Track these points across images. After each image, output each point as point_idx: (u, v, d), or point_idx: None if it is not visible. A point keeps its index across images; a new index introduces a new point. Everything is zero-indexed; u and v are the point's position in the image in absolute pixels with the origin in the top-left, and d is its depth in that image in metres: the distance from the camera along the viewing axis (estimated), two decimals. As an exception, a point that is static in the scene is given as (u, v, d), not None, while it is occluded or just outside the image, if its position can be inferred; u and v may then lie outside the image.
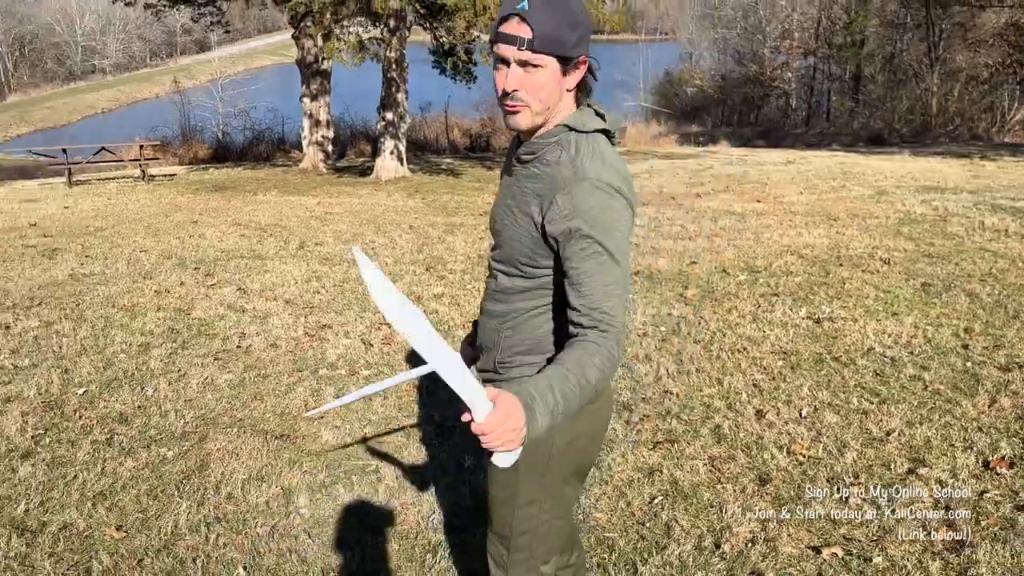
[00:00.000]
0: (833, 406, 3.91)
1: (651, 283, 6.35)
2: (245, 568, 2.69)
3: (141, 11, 15.15)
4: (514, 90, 1.61)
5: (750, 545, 2.77)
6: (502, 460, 1.36)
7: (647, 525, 2.92)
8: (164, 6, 15.42)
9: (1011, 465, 3.25)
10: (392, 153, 14.63)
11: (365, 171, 15.92)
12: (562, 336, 1.65)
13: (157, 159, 16.86)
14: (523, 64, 1.60)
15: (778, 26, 34.13)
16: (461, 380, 1.32)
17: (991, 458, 3.31)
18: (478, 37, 14.74)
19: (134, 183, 14.56)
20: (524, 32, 1.57)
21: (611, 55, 50.00)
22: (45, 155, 15.95)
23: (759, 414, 3.86)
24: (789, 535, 2.83)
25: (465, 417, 1.33)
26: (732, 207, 10.31)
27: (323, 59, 14.73)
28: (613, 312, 1.54)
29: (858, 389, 4.11)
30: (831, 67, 31.67)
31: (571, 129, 1.67)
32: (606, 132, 1.69)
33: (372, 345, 4.94)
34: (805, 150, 21.10)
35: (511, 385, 1.46)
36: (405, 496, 3.16)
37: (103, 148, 15.08)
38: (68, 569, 2.69)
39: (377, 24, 14.07)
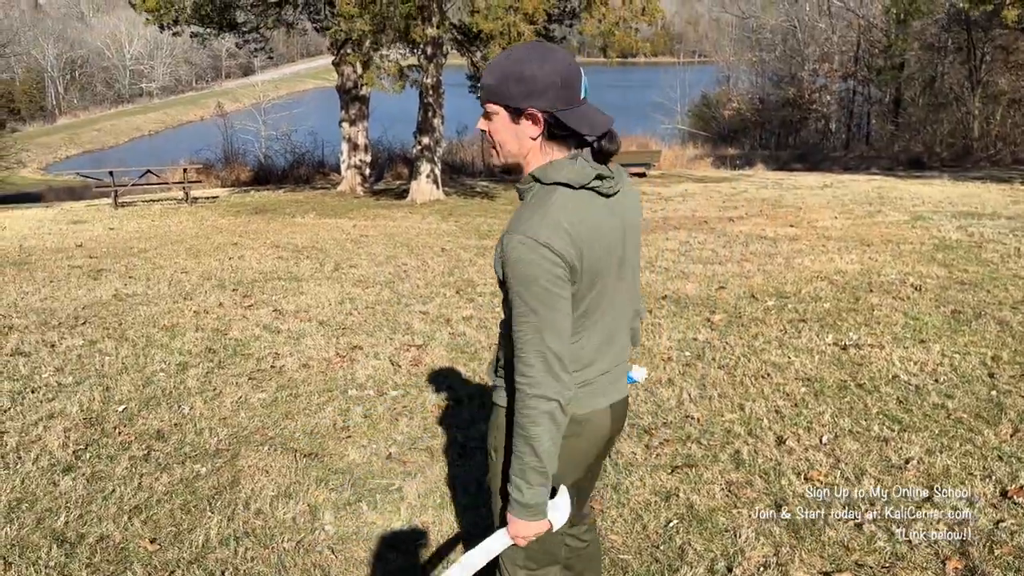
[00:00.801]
0: (854, 433, 3.93)
1: (678, 307, 6.40)
2: (271, 581, 2.81)
3: (187, 37, 15.64)
4: (483, 131, 1.86)
5: (762, 569, 2.82)
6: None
7: (661, 548, 2.98)
8: (210, 34, 15.91)
9: (1030, 495, 3.25)
10: (428, 176, 14.88)
11: (401, 194, 16.19)
12: None
13: (200, 181, 17.32)
14: (484, 112, 1.85)
15: (817, 49, 34.00)
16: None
17: (1009, 487, 3.31)
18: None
19: (177, 205, 14.98)
20: (484, 83, 1.83)
21: (650, 77, 50.27)
22: (93, 177, 16.48)
23: (779, 440, 3.89)
24: (801, 560, 2.87)
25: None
26: (764, 231, 10.31)
27: (362, 85, 15.07)
28: (526, 366, 1.72)
29: (880, 416, 4.12)
30: (871, 90, 31.41)
31: (536, 179, 1.80)
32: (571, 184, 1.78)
33: (400, 366, 5.06)
34: (843, 174, 20.97)
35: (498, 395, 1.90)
36: (426, 515, 3.26)
37: (148, 171, 15.56)
38: (104, 578, 2.83)
39: (415, 51, 14.37)
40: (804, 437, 3.91)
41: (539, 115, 1.76)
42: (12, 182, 29.31)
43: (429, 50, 13.47)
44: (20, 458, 3.76)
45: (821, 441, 3.86)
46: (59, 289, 7.33)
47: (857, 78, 31.12)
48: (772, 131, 35.82)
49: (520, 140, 1.81)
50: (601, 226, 1.80)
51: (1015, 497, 3.24)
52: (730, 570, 2.82)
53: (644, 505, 3.30)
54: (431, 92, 14.05)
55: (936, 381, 4.59)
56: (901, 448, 3.74)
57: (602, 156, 1.82)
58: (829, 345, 5.32)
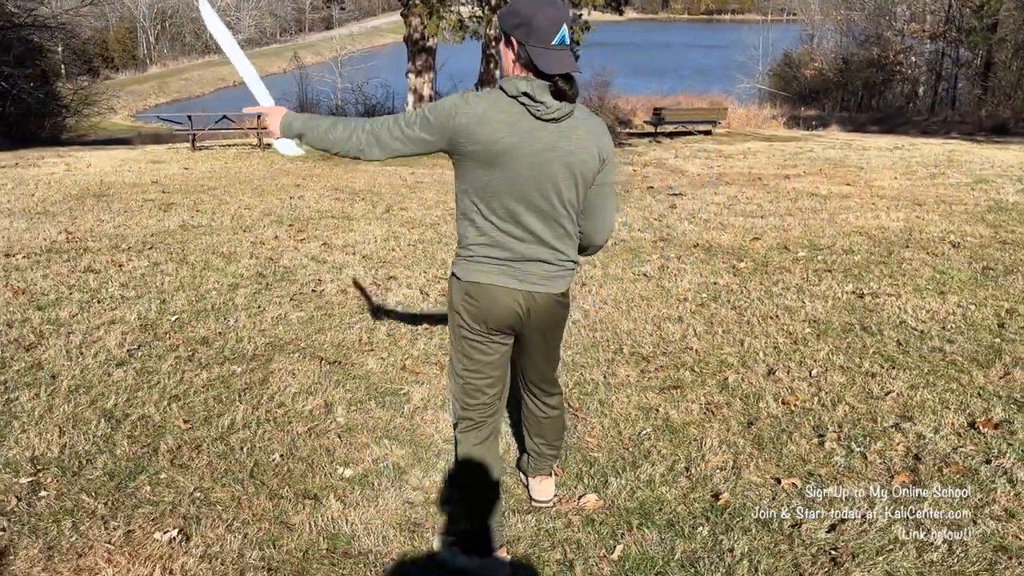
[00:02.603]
0: (844, 368, 4.11)
1: (707, 255, 6.57)
2: (282, 456, 3.22)
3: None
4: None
5: (717, 471, 3.08)
6: (277, 146, 2.50)
7: (630, 450, 3.27)
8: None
9: (996, 426, 3.40)
10: (488, 127, 15.11)
11: (464, 145, 16.49)
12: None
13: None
14: None
15: (907, 8, 32.60)
16: (256, 83, 2.61)
17: (979, 419, 3.47)
18: (580, 15, 15.00)
19: (251, 150, 15.64)
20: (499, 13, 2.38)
21: (734, 36, 49.06)
22: (173, 122, 17.29)
23: (769, 372, 4.10)
24: (757, 466, 3.12)
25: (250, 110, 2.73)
26: (818, 189, 10.27)
27: (428, 36, 15.33)
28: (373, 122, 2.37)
29: (875, 356, 4.28)
30: (960, 52, 30.03)
31: (500, 87, 2.29)
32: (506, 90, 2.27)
33: (428, 295, 5.43)
34: (919, 137, 20.33)
35: None
36: (427, 414, 3.62)
37: (224, 116, 16.25)
38: (140, 448, 3.28)
39: (481, 3, 14.55)
40: (794, 370, 4.12)
41: (515, 44, 2.21)
42: (104, 128, 30.77)
43: (493, 1, 13.63)
44: (82, 353, 4.27)
45: (811, 374, 4.06)
46: (132, 218, 7.93)
47: (946, 39, 29.77)
48: (854, 93, 34.64)
49: (506, 60, 2.28)
50: (519, 129, 2.22)
51: (981, 428, 3.40)
52: (687, 469, 3.10)
53: (624, 417, 3.58)
54: (494, 44, 14.23)
55: (943, 328, 4.70)
56: (886, 383, 3.91)
57: (559, 93, 2.21)
58: (847, 293, 5.44)
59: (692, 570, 2.50)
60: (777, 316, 4.98)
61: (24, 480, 3.00)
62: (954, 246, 6.77)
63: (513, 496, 2.94)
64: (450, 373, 2.56)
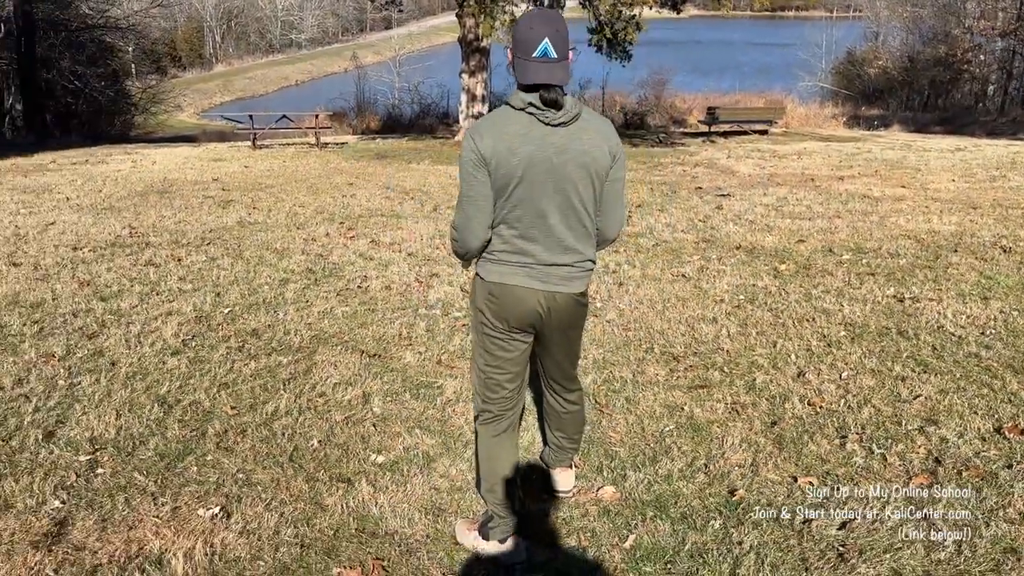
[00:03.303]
0: (875, 372, 4.13)
1: (749, 257, 6.59)
2: (320, 442, 3.40)
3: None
4: None
5: (736, 468, 3.17)
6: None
7: (651, 445, 3.37)
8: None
9: (1023, 432, 3.40)
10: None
11: (517, 144, 16.62)
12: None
13: (330, 128, 18.38)
14: None
15: (977, 5, 31.62)
16: None
17: (1006, 425, 3.47)
18: (634, 16, 15.01)
19: (309, 148, 16.05)
20: None
21: (797, 33, 48.20)
22: (235, 120, 17.84)
23: (800, 374, 4.15)
24: (775, 465, 3.19)
25: None
26: (871, 191, 10.15)
27: (482, 37, 15.53)
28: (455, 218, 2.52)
29: (908, 360, 4.28)
30: (1032, 49, 29.00)
31: (507, 102, 2.44)
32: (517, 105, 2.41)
33: (468, 293, 5.58)
34: (984, 139, 19.77)
35: None
36: (458, 406, 3.77)
37: (284, 116, 16.71)
38: (190, 431, 3.50)
39: (534, 2, 14.66)
40: (824, 372, 4.15)
41: (510, 57, 2.40)
42: (171, 125, 31.83)
43: (546, 2, 13.73)
44: (140, 342, 4.54)
45: (840, 377, 4.09)
46: (192, 215, 8.28)
47: (1018, 36, 28.79)
48: (919, 92, 33.75)
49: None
50: (532, 138, 2.35)
51: (1008, 433, 3.41)
52: (706, 466, 3.19)
53: (649, 414, 3.68)
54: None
55: (982, 333, 4.67)
56: (915, 387, 3.92)
57: (545, 102, 2.35)
58: (887, 297, 5.42)
59: (700, 560, 2.60)
60: (813, 319, 5.00)
61: (83, 458, 3.24)
62: (1005, 251, 6.66)
63: (534, 485, 3.07)
64: (472, 368, 2.70)
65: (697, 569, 2.56)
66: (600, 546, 2.69)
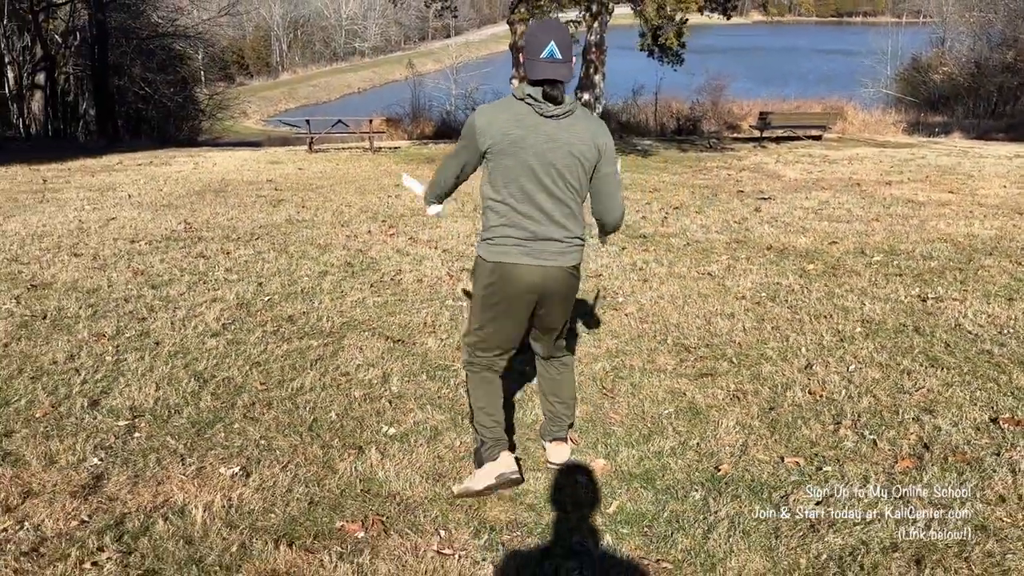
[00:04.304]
0: (882, 365, 4.20)
1: (778, 256, 6.67)
2: (337, 415, 3.66)
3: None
4: None
5: (727, 448, 3.30)
6: (430, 211, 3.36)
7: (649, 425, 3.53)
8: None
9: (1018, 424, 3.46)
10: (588, 133, 15.39)
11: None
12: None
13: (383, 133, 18.84)
14: None
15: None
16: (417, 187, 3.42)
17: (1003, 416, 3.53)
18: (686, 20, 15.07)
19: (362, 153, 16.50)
20: None
21: (863, 39, 47.33)
22: (293, 124, 18.44)
23: (807, 365, 4.25)
24: (766, 446, 3.32)
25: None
26: (917, 196, 10.05)
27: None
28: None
29: (919, 355, 4.34)
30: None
31: (512, 93, 2.82)
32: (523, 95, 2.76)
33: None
34: (1049, 145, 19.19)
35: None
36: (471, 387, 3.98)
37: (339, 121, 17.20)
38: (221, 403, 3.79)
39: (583, 10, 14.86)
40: (832, 365, 4.24)
41: (521, 58, 2.74)
42: (236, 131, 32.91)
43: (594, 7, 13.93)
44: (184, 325, 4.88)
45: (847, 369, 4.18)
46: (244, 212, 8.69)
47: (1091, 41, 27.83)
48: (986, 98, 32.83)
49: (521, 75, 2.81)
50: (526, 124, 2.71)
51: (1002, 424, 3.47)
52: (698, 445, 3.33)
53: (652, 398, 3.84)
54: (593, 49, 14.53)
55: (999, 332, 4.69)
56: (920, 380, 3.99)
57: (547, 96, 2.69)
58: (911, 296, 5.46)
59: (676, 525, 2.76)
60: (831, 315, 5.07)
61: (122, 423, 3.55)
62: (1042, 255, 6.59)
63: (531, 458, 3.26)
64: (467, 326, 3.06)
65: (672, 533, 2.72)
66: (583, 509, 2.87)
